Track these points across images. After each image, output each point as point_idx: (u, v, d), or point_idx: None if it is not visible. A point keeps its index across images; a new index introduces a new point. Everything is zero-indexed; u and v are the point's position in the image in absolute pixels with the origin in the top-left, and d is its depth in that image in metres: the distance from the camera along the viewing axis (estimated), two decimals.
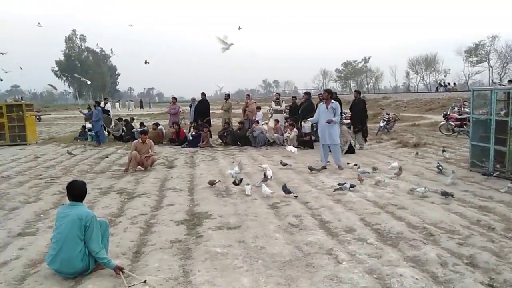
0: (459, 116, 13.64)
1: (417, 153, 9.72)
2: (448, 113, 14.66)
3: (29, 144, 14.35)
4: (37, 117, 24.23)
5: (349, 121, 12.14)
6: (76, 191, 3.60)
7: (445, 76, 60.18)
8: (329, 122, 8.00)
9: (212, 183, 6.89)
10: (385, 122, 14.70)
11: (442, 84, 38.35)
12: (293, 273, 3.51)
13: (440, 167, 7.60)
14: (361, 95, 12.44)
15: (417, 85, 70.73)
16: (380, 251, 3.90)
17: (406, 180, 7.03)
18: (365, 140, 11.41)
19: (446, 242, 4.12)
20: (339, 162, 8.23)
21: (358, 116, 11.06)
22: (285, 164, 8.37)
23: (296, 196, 6.01)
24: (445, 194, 5.77)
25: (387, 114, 15.24)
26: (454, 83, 39.26)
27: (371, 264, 3.62)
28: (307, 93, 12.90)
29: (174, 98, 16.30)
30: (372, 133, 13.77)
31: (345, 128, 10.39)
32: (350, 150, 10.15)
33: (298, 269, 3.61)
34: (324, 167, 8.21)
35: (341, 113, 11.68)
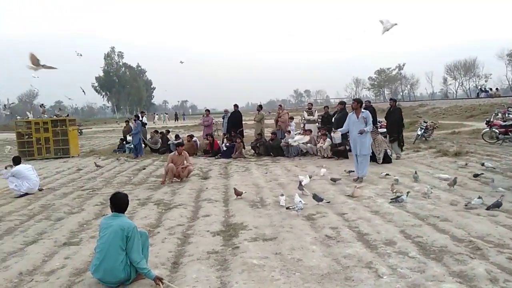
0: (504, 123, 12.94)
1: (466, 164, 9.10)
2: (491, 120, 13.94)
3: (72, 156, 15.07)
4: (79, 131, 25.43)
5: (384, 129, 11.83)
6: (119, 203, 3.73)
7: (486, 81, 57.68)
8: (361, 133, 7.82)
9: (239, 194, 6.87)
10: (422, 130, 14.20)
11: (483, 89, 36.57)
12: (331, 287, 3.44)
13: (479, 175, 7.44)
14: (397, 103, 12.11)
15: (456, 91, 68.10)
16: (423, 265, 3.74)
17: (448, 191, 6.73)
18: (402, 149, 11.07)
19: (495, 256, 3.89)
20: (362, 173, 8.01)
21: (394, 124, 10.76)
22: (335, 180, 7.97)
23: (328, 202, 6.02)
24: (489, 207, 5.48)
25: (424, 122, 14.73)
26: (497, 88, 37.42)
27: (414, 279, 3.47)
28: (342, 103, 12.74)
29: (207, 110, 16.61)
30: (409, 142, 13.35)
31: (380, 137, 10.12)
32: (387, 160, 9.88)
33: (337, 282, 3.52)
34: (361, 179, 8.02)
35: (376, 121, 11.50)
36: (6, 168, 8.44)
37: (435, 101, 38.67)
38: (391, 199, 6.15)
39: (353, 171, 8.38)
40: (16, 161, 8.32)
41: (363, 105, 8.55)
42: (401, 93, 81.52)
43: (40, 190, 8.39)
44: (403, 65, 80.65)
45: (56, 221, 6.08)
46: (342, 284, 3.50)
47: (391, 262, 3.89)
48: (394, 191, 6.56)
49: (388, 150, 10.18)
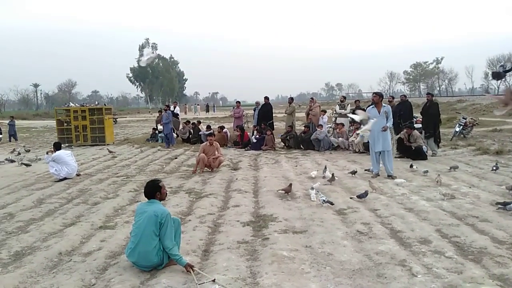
0: None
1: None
2: None
3: (107, 144, 15.60)
4: (114, 119, 26.26)
5: (420, 125, 11.43)
6: (147, 190, 3.82)
7: None
8: (385, 129, 7.54)
9: (288, 191, 6.39)
10: (461, 127, 13.60)
11: None
12: (363, 283, 3.37)
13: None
14: (434, 98, 11.65)
15: (498, 87, 64.66)
16: (461, 266, 3.59)
17: (488, 191, 6.42)
18: (438, 146, 10.66)
19: None
20: (391, 170, 7.69)
21: (431, 120, 10.36)
22: (354, 173, 8.00)
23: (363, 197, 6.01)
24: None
25: (463, 118, 14.09)
26: None
27: (450, 280, 3.34)
28: (379, 94, 12.36)
29: (238, 102, 16.67)
30: (446, 139, 12.82)
31: (417, 132, 9.79)
32: (422, 156, 9.55)
33: (369, 278, 3.45)
34: (378, 175, 7.77)
35: (412, 116, 11.12)
36: (47, 153, 8.85)
37: (475, 97, 36.94)
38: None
39: (427, 171, 7.78)
40: (57, 146, 8.69)
41: (383, 98, 8.16)
42: (438, 88, 78.51)
43: (78, 175, 8.75)
44: (442, 59, 77.69)
45: (92, 205, 6.32)
46: (374, 280, 3.42)
47: (426, 261, 3.76)
48: (438, 181, 6.61)
49: (424, 146, 9.84)
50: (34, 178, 8.81)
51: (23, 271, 3.77)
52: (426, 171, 7.81)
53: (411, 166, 8.46)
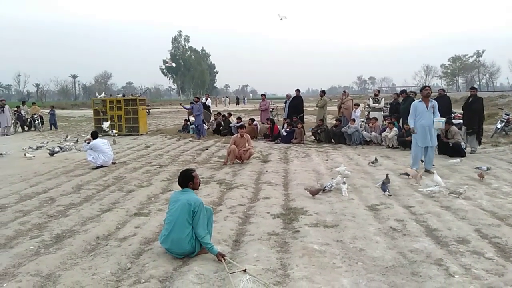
0: None
1: None
2: None
3: (141, 134, 16.03)
4: (147, 110, 26.92)
5: (459, 121, 10.96)
6: (180, 179, 3.90)
7: None
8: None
9: (314, 193, 5.97)
10: (503, 123, 12.90)
11: None
12: (397, 280, 3.29)
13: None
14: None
15: None
16: (502, 268, 3.42)
17: None
18: (480, 143, 10.18)
19: None
20: (431, 166, 7.62)
21: (475, 115, 9.83)
22: (373, 162, 8.23)
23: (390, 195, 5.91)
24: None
25: (506, 114, 13.36)
26: None
27: (490, 282, 3.20)
28: (404, 92, 11.99)
29: (263, 95, 16.64)
30: (486, 136, 12.21)
31: (455, 128, 9.39)
32: (460, 153, 9.15)
33: (403, 276, 3.36)
34: (417, 171, 7.49)
35: (451, 111, 10.67)
36: (85, 141, 9.21)
37: None
38: None
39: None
40: (94, 135, 9.02)
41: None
42: (479, 83, 74.89)
43: (113, 163, 9.06)
44: (483, 51, 73.81)
45: (127, 192, 6.53)
46: (408, 278, 3.33)
47: (464, 261, 3.61)
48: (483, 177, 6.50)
49: (463, 143, 9.43)
50: (73, 165, 9.20)
51: (64, 253, 3.96)
52: (488, 168, 7.46)
53: (422, 161, 8.15)
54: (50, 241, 4.40)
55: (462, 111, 10.85)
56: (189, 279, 3.29)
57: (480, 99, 10.18)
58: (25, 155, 10.75)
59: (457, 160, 7.79)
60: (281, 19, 16.58)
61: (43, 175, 8.14)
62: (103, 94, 19.24)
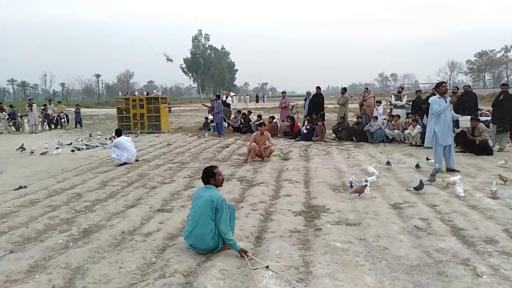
0: None
1: None
2: None
3: (163, 132, 16.28)
4: (169, 109, 27.31)
5: (486, 118, 10.62)
6: (203, 176, 3.95)
7: None
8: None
9: (359, 191, 5.76)
10: None
11: None
12: (422, 280, 3.23)
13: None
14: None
15: None
16: None
17: None
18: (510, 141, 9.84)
19: None
20: (454, 164, 7.42)
21: (507, 113, 9.49)
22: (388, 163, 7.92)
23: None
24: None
25: None
26: None
27: None
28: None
29: (284, 92, 16.62)
30: None
31: (482, 125, 9.11)
32: (487, 152, 8.88)
33: (428, 276, 3.31)
34: (440, 170, 7.27)
35: (477, 108, 10.37)
36: (109, 139, 9.44)
37: None
38: None
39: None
40: (118, 133, 9.24)
41: None
42: (506, 79, 72.25)
43: (136, 160, 9.25)
44: (511, 46, 71.06)
45: (150, 189, 6.66)
46: (434, 278, 3.27)
47: (492, 261, 3.52)
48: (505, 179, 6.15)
49: (490, 141, 9.14)
50: (98, 162, 9.45)
51: (91, 247, 4.08)
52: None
53: (427, 159, 8.16)
54: (78, 235, 4.54)
55: (491, 108, 10.50)
56: (213, 275, 3.34)
57: (511, 96, 9.82)
58: (44, 153, 11.04)
59: (503, 161, 7.51)
60: (167, 60, 16.95)
61: (70, 171, 8.39)
62: (136, 93, 19.34)
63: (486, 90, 39.21)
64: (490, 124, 9.90)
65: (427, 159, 8.18)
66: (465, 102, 10.21)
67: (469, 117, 7.57)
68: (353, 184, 6.19)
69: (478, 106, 11.09)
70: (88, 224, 4.87)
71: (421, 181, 5.99)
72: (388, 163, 7.88)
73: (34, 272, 3.59)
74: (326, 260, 3.58)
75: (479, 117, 10.28)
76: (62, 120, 19.72)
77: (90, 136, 15.41)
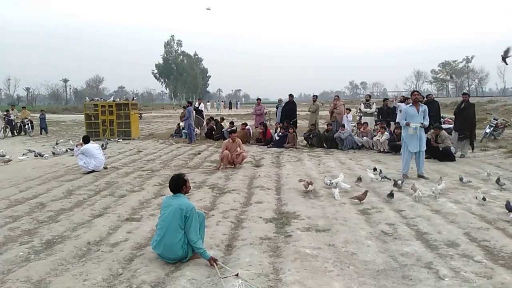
0: None
1: None
2: None
3: (133, 139, 15.94)
4: (139, 115, 26.79)
5: (448, 125, 11.10)
6: (171, 185, 3.89)
7: None
8: (423, 127, 7.42)
9: (361, 199, 5.79)
10: (491, 128, 13.11)
11: None
12: (388, 284, 3.32)
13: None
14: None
15: None
16: (490, 271, 3.48)
17: None
18: (473, 148, 10.32)
19: None
20: (423, 171, 7.65)
21: (467, 121, 9.97)
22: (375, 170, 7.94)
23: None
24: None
25: (494, 119, 13.58)
26: None
27: (479, 284, 3.25)
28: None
29: (259, 99, 16.73)
30: (475, 140, 12.40)
31: (445, 133, 9.51)
32: (450, 158, 9.27)
33: (394, 279, 3.40)
34: (407, 176, 7.53)
35: (440, 116, 10.82)
36: (77, 146, 9.13)
37: (507, 97, 35.55)
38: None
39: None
40: (86, 140, 8.96)
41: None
42: (468, 88, 75.98)
43: (105, 168, 8.99)
44: (472, 57, 74.93)
45: (119, 197, 6.49)
46: (399, 282, 3.36)
47: (453, 264, 3.66)
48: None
49: (452, 148, 9.55)
50: (63, 170, 9.12)
51: (54, 259, 3.92)
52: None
53: (375, 169, 7.96)
54: (41, 247, 4.35)
55: (453, 116, 10.99)
56: (182, 285, 3.28)
57: (472, 105, 10.35)
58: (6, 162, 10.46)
59: (485, 174, 7.36)
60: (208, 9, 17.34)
61: (33, 180, 8.05)
62: (111, 99, 18.71)
63: (450, 99, 41.03)
64: (452, 132, 10.35)
65: (374, 169, 8.06)
66: (430, 111, 10.62)
67: (419, 124, 7.64)
68: (332, 184, 6.42)
69: (441, 114, 11.57)
70: (51, 235, 4.68)
71: (391, 191, 6.09)
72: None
73: None
74: (295, 266, 3.60)
75: (442, 125, 10.73)
76: (26, 127, 18.87)
77: (57, 144, 14.76)
